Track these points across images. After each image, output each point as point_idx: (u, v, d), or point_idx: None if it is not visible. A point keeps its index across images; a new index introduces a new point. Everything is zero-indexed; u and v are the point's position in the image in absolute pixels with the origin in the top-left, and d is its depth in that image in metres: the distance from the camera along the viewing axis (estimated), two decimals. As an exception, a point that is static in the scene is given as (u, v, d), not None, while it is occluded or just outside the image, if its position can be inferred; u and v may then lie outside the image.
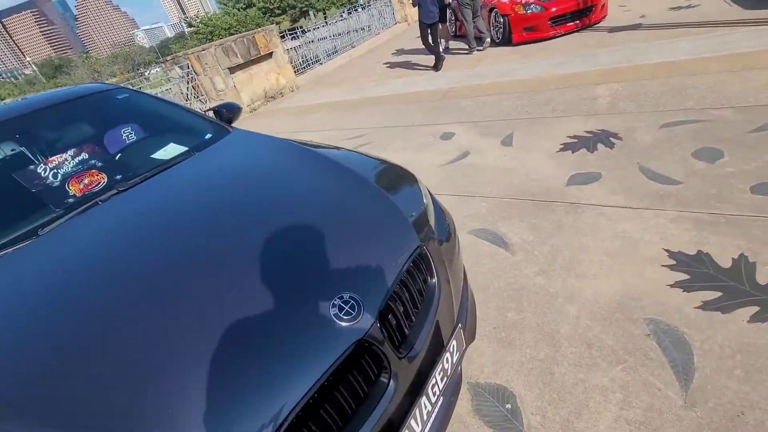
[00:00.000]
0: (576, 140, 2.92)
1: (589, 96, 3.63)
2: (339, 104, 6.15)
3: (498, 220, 2.30)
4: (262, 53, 7.77)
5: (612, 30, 5.54)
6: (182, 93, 7.44)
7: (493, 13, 6.58)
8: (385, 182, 1.51)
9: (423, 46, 6.76)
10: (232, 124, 2.50)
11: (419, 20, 6.31)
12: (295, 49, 10.07)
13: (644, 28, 5.19)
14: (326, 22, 12.93)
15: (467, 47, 6.93)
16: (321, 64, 10.47)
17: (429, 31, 6.33)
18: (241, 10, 48.09)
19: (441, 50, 6.67)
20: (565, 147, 2.87)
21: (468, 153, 3.25)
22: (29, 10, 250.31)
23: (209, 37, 39.90)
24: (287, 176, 1.54)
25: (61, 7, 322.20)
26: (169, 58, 7.49)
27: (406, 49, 8.83)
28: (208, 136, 2.04)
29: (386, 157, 1.78)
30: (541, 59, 5.21)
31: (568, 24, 5.99)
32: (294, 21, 50.42)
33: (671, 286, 1.58)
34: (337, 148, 1.92)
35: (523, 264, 1.93)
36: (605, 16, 6.20)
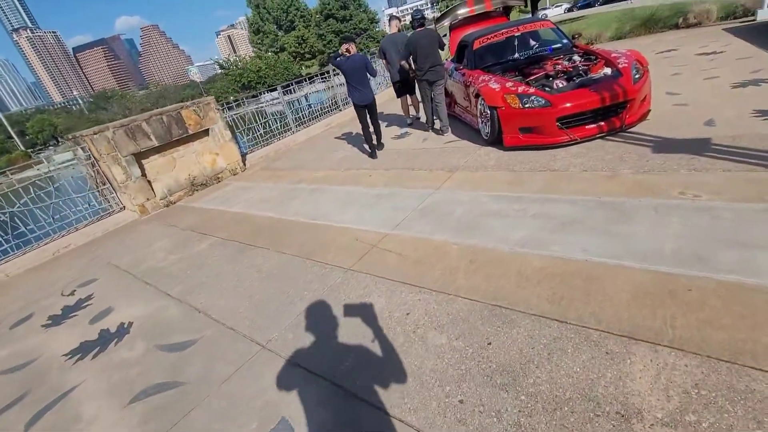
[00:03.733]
0: None
1: (617, 395, 1.48)
2: (242, 228, 4.27)
3: None
4: (192, 132, 6.17)
5: (659, 146, 3.39)
6: (91, 176, 5.89)
7: (479, 101, 4.63)
8: None
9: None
10: None
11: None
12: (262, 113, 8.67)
13: (717, 150, 3.03)
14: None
15: (435, 127, 5.87)
16: (292, 133, 8.88)
17: (364, 114, 5.36)
18: (274, 53, 49.72)
19: (410, 121, 6.69)
20: None
21: None
22: (101, 47, 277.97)
23: (238, 78, 40.83)
24: None
25: (128, 44, 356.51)
26: (70, 136, 6.01)
27: (390, 122, 7.02)
28: None
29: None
30: (536, 198, 3.11)
31: (587, 127, 3.91)
32: (322, 65, 51.43)
33: None
34: None
35: None
36: (647, 113, 4.09)
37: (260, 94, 14.12)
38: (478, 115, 4.76)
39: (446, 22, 6.62)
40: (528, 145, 4.11)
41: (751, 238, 2.06)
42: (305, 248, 3.33)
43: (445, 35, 6.51)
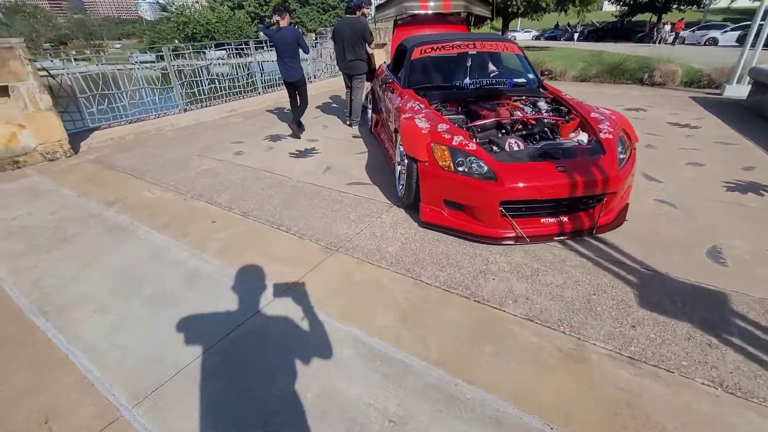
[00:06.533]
0: None
1: None
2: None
3: None
4: (-29, 87, 3.90)
5: (647, 288, 2.05)
6: None
7: (397, 139, 3.07)
8: None
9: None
10: None
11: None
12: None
13: (743, 331, 1.72)
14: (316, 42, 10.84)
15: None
16: (178, 111, 6.76)
17: (292, 90, 5.02)
18: (230, 9, 44.77)
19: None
20: None
21: None
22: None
23: (182, 27, 35.79)
24: None
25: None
26: None
27: (330, 111, 5.28)
28: None
29: None
30: (431, 381, 1.59)
31: (543, 220, 2.51)
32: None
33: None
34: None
35: None
36: (625, 210, 2.79)
37: (204, 48, 11.98)
38: (397, 159, 3.21)
39: (390, 13, 5.00)
40: (452, 229, 2.63)
41: None
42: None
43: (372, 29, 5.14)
